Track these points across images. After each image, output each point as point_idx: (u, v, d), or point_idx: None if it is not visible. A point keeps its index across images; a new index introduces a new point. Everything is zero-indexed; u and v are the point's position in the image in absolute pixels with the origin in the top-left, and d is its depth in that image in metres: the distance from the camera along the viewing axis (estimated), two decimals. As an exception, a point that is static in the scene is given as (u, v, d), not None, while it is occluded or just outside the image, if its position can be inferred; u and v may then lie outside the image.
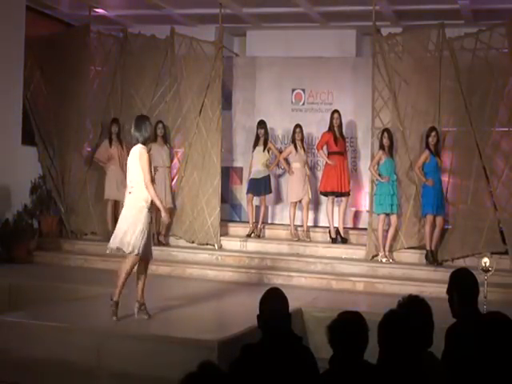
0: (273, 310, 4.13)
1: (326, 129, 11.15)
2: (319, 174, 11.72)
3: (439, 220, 10.07)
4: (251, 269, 10.23)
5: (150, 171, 6.96)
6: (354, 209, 11.87)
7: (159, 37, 11.89)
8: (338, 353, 3.80)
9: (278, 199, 12.27)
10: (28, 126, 11.81)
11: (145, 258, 7.12)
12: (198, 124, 11.55)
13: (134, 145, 7.09)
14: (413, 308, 4.00)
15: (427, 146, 10.15)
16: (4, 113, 10.93)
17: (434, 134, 10.10)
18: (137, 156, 6.92)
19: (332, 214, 11.00)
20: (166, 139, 11.55)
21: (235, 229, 11.77)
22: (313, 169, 12.11)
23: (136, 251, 6.88)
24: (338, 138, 11.04)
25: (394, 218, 10.33)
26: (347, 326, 3.84)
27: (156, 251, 10.98)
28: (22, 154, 11.41)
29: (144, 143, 7.02)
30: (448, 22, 10.60)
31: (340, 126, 11.10)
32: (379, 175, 10.35)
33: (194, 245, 11.31)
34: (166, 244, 11.42)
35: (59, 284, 9.17)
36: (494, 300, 7.56)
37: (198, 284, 9.85)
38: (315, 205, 11.92)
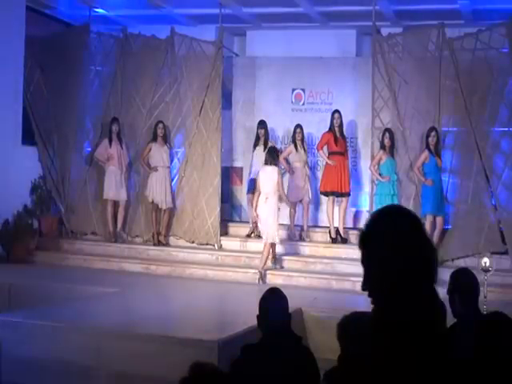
0: (273, 309, 4.13)
1: (326, 129, 11.15)
2: (319, 174, 11.72)
3: (439, 220, 10.07)
4: (251, 269, 10.23)
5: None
6: (354, 209, 11.86)
7: (159, 37, 11.90)
8: (347, 349, 3.78)
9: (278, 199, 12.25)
10: (28, 125, 11.81)
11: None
12: (197, 124, 11.56)
13: (266, 165, 10.02)
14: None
15: (427, 146, 10.15)
16: (4, 113, 10.93)
17: (433, 134, 10.10)
18: (276, 174, 9.92)
19: (332, 214, 10.99)
20: (166, 139, 11.54)
21: (235, 229, 11.77)
22: (313, 169, 12.10)
23: (277, 240, 10.04)
24: (339, 138, 11.04)
25: (394, 218, 10.31)
26: (356, 324, 3.82)
27: (156, 251, 11.16)
28: (21, 154, 11.40)
29: (276, 165, 10.03)
30: (448, 22, 10.60)
31: (340, 126, 11.09)
32: (380, 175, 10.35)
33: (194, 245, 11.31)
34: (166, 244, 11.42)
35: (59, 284, 9.18)
36: (494, 300, 7.56)
37: (197, 284, 9.85)
38: (315, 205, 11.91)
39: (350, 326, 3.81)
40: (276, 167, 10.09)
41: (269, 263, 10.13)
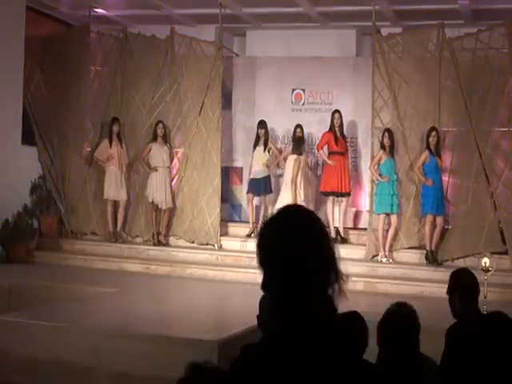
0: (273, 309, 4.13)
1: (327, 129, 11.15)
2: (319, 174, 11.72)
3: (439, 220, 10.07)
4: (251, 269, 10.22)
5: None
6: (354, 209, 11.86)
7: (159, 37, 11.90)
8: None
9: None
10: (28, 126, 11.81)
11: None
12: (197, 124, 11.56)
13: (292, 153, 10.81)
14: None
15: (427, 146, 10.15)
16: (4, 113, 10.93)
17: (434, 133, 10.10)
18: (292, 161, 10.66)
19: (332, 214, 10.99)
20: (166, 139, 11.55)
21: (235, 229, 11.76)
22: (313, 169, 12.10)
23: None
24: (339, 138, 11.03)
25: (394, 218, 10.33)
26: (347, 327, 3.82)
27: (156, 251, 11.16)
28: (21, 154, 11.40)
29: (299, 154, 10.76)
30: (448, 22, 10.61)
31: (341, 126, 11.09)
32: (379, 175, 10.35)
33: (194, 245, 11.31)
34: (166, 244, 11.42)
35: (59, 284, 9.18)
36: (493, 300, 7.56)
37: (197, 284, 9.85)
38: (315, 205, 11.90)
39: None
40: (294, 155, 10.66)
41: None
